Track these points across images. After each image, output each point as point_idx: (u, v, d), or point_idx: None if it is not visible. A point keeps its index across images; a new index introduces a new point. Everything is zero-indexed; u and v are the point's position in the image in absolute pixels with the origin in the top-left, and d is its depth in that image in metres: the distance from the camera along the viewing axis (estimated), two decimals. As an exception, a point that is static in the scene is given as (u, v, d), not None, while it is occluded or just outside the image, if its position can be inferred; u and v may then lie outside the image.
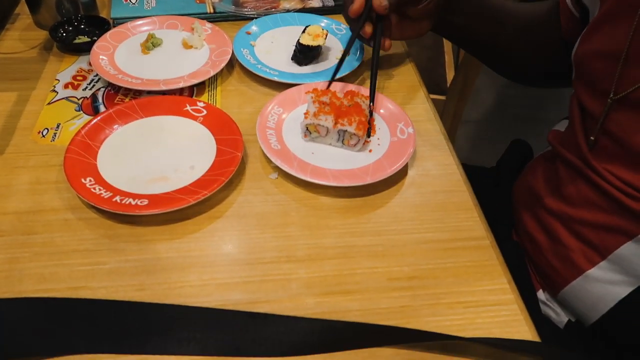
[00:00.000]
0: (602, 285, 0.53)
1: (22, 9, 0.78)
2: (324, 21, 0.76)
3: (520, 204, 0.64)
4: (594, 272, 0.53)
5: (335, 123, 0.55)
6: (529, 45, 0.68)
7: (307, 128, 0.56)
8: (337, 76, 0.62)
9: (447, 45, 1.45)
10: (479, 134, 1.91)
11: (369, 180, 0.52)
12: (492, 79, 2.13)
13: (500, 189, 0.70)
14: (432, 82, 1.31)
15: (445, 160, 0.58)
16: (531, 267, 0.62)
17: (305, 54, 0.68)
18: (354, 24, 0.63)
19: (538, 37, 0.67)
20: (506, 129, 1.92)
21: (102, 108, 0.62)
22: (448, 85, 1.31)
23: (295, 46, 0.68)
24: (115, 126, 0.58)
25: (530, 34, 0.67)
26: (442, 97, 1.31)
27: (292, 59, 0.69)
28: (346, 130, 0.55)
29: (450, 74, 1.35)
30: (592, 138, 0.53)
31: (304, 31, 0.69)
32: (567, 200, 0.56)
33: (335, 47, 0.72)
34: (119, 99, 0.64)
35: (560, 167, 0.58)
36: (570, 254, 0.55)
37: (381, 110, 0.61)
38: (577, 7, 0.60)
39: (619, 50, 0.49)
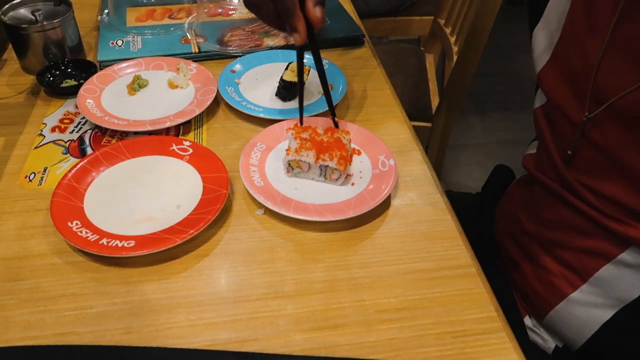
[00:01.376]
0: (586, 308, 0.53)
1: (10, 54, 0.79)
2: (306, 57, 0.78)
3: (502, 229, 0.65)
4: (576, 295, 0.54)
5: (317, 159, 0.56)
6: None
7: (289, 164, 0.57)
8: (314, 113, 0.65)
9: (431, 73, 1.48)
10: (468, 158, 1.93)
11: (351, 214, 0.53)
12: (477, 103, 2.17)
13: (484, 215, 0.71)
14: (418, 110, 1.33)
15: (429, 190, 0.59)
16: (516, 293, 0.62)
17: (288, 90, 0.69)
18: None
19: None
20: (494, 153, 1.95)
21: (89, 150, 0.63)
22: (433, 112, 1.34)
23: (279, 83, 0.70)
24: (102, 168, 0.58)
25: None
26: (429, 124, 1.33)
27: (276, 95, 0.71)
28: (327, 166, 0.56)
29: (435, 101, 1.38)
30: (569, 152, 0.53)
31: (286, 68, 0.71)
32: (545, 224, 0.57)
33: (318, 81, 0.74)
34: (105, 140, 0.64)
35: (536, 190, 0.59)
36: (552, 278, 0.56)
37: (361, 144, 0.62)
38: None
39: (591, 65, 0.49)
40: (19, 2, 0.76)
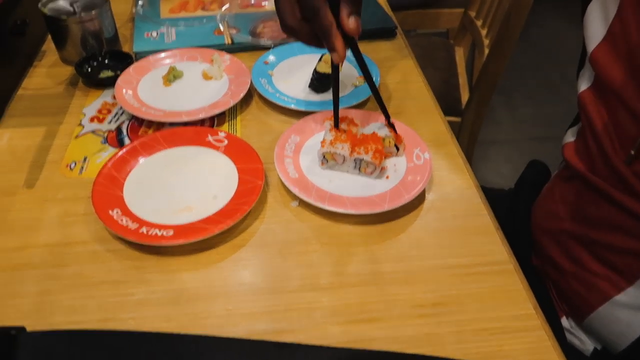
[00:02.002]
0: (630, 311, 0.52)
1: (49, 45, 0.81)
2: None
3: (540, 227, 0.64)
4: (620, 298, 0.52)
5: (352, 151, 0.56)
6: None
7: (324, 156, 0.57)
8: (348, 105, 0.64)
9: (461, 67, 1.46)
10: (497, 154, 1.90)
11: (386, 207, 0.52)
12: (507, 98, 2.13)
13: (519, 212, 0.70)
14: (447, 104, 1.32)
15: (464, 184, 0.59)
16: (553, 293, 0.61)
17: (322, 82, 0.69)
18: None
19: None
20: (523, 149, 1.91)
21: (126, 140, 0.64)
22: (463, 106, 1.32)
23: (313, 74, 0.70)
24: (140, 158, 0.59)
25: None
26: (458, 119, 1.32)
27: (309, 86, 0.71)
28: (362, 159, 0.56)
29: (464, 96, 1.36)
30: (632, 152, 0.49)
31: (320, 59, 0.70)
32: (590, 223, 0.55)
33: (351, 73, 0.74)
34: (142, 131, 0.65)
35: (579, 186, 0.57)
36: (594, 279, 0.54)
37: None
38: None
39: None
40: (58, -6, 0.78)
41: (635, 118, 0.48)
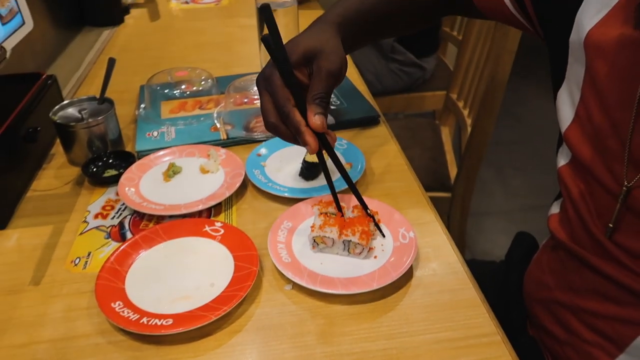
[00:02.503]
0: None
1: (57, 149, 0.87)
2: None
3: (532, 296, 0.65)
4: None
5: (340, 234, 0.60)
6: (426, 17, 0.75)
7: (314, 240, 0.61)
8: (342, 188, 0.68)
9: (448, 145, 1.53)
10: (492, 226, 1.93)
11: (375, 286, 0.55)
12: (498, 171, 2.20)
13: (510, 284, 0.72)
14: (437, 181, 1.37)
15: (450, 259, 0.62)
16: (550, 361, 0.62)
17: (310, 170, 0.74)
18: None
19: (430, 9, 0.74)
20: (518, 219, 1.95)
21: (128, 234, 0.68)
22: (452, 182, 1.37)
23: (302, 164, 0.75)
24: (141, 250, 0.63)
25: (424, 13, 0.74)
26: (448, 194, 1.36)
27: (299, 175, 0.76)
28: (350, 241, 0.59)
29: (453, 172, 1.41)
30: (610, 225, 0.51)
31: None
32: (576, 291, 0.57)
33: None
34: (144, 224, 0.69)
35: (564, 256, 0.59)
36: (587, 347, 0.55)
37: (382, 218, 0.65)
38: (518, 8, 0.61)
39: (622, 132, 0.48)
40: (67, 103, 0.85)
41: (609, 193, 0.51)
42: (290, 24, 0.97)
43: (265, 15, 0.56)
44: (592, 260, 0.55)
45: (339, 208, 0.64)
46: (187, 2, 1.67)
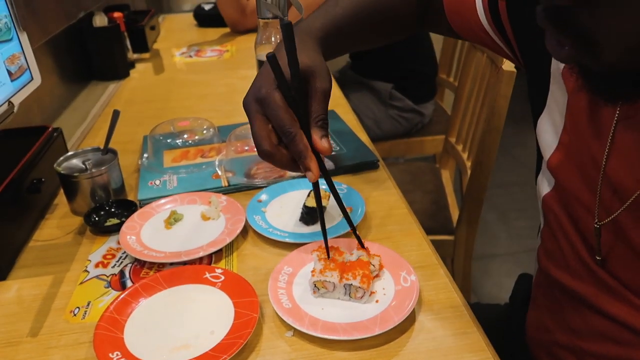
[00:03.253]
0: None
1: (61, 199, 0.88)
2: (324, 185, 0.85)
3: (534, 340, 0.64)
4: None
5: (341, 278, 0.59)
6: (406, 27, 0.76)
7: (315, 285, 0.60)
8: (337, 235, 0.69)
9: (449, 188, 1.54)
10: (498, 268, 1.91)
11: (377, 331, 0.54)
12: (501, 213, 2.20)
13: (513, 328, 0.70)
14: (439, 224, 1.37)
15: (453, 302, 0.61)
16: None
17: (311, 215, 0.75)
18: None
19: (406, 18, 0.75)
20: (523, 261, 1.93)
21: (129, 283, 0.67)
22: (454, 225, 1.37)
23: (302, 209, 0.76)
24: (141, 299, 0.62)
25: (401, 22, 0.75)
26: (451, 237, 1.36)
27: (300, 220, 0.76)
28: (351, 284, 0.59)
29: (455, 214, 1.41)
30: (597, 258, 0.50)
31: (308, 195, 0.77)
32: (576, 333, 0.56)
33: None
34: (144, 272, 0.69)
35: (559, 296, 0.59)
36: (592, 390, 0.54)
37: (383, 261, 0.65)
38: (494, 27, 0.61)
39: (597, 163, 0.47)
40: (72, 154, 0.87)
41: (596, 219, 0.51)
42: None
43: (287, 31, 0.53)
44: (588, 295, 0.53)
45: (328, 254, 0.64)
46: (190, 56, 1.73)
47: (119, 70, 1.55)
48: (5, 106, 0.77)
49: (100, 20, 1.52)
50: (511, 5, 0.58)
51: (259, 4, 0.86)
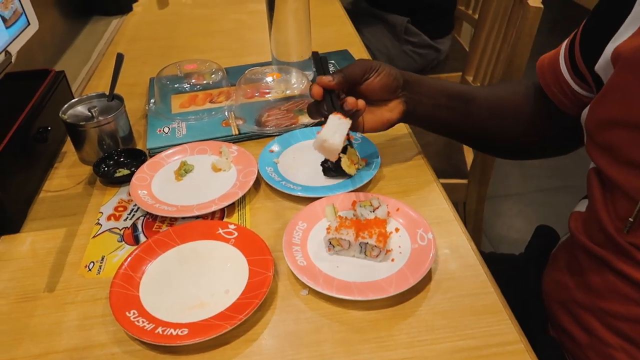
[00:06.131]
0: None
1: (68, 147, 0.87)
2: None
3: (551, 297, 0.64)
4: None
5: (357, 236, 0.58)
6: (508, 127, 0.70)
7: (330, 242, 0.59)
8: (352, 189, 0.67)
9: (463, 129, 1.49)
10: (509, 209, 1.90)
11: (392, 291, 0.54)
12: (514, 151, 2.16)
13: (529, 284, 0.70)
14: (453, 167, 1.34)
15: (469, 261, 0.60)
16: (572, 364, 0.60)
17: (337, 170, 0.71)
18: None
19: (514, 116, 0.69)
20: (535, 201, 1.91)
21: (142, 237, 0.67)
22: (468, 168, 1.34)
23: (328, 164, 0.72)
24: (155, 255, 0.62)
25: (505, 116, 0.70)
26: (464, 181, 1.34)
27: (325, 174, 0.73)
28: (367, 243, 0.58)
29: (469, 157, 1.38)
30: (630, 219, 0.49)
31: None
32: (596, 293, 0.55)
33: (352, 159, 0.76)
34: (157, 226, 0.69)
35: (582, 257, 0.58)
36: (611, 351, 0.54)
37: (400, 220, 0.64)
38: (578, 80, 0.60)
39: None
40: (76, 101, 0.84)
41: (631, 200, 0.50)
42: (300, 10, 0.94)
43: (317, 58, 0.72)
44: (612, 261, 0.53)
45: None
46: (195, -13, 1.64)
47: (122, 4, 1.47)
48: (2, 56, 0.73)
49: (98, -51, 1.43)
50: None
51: None
